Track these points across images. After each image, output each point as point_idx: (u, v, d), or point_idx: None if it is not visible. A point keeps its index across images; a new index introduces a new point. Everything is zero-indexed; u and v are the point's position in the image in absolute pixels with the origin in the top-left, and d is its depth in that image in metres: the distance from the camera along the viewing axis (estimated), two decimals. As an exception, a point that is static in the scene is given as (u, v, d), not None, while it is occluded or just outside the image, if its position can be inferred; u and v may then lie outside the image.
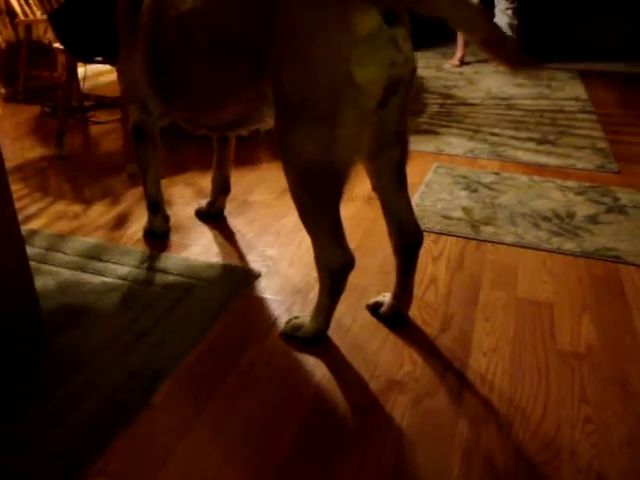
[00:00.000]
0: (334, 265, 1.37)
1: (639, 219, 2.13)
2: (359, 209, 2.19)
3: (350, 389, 1.33)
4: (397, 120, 1.36)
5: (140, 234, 2.00)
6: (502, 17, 4.62)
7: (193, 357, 1.41)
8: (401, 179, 1.44)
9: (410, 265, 1.49)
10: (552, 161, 2.71)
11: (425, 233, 1.98)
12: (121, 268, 1.77)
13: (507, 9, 4.61)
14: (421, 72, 4.56)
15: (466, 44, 4.79)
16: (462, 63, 4.81)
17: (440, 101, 3.74)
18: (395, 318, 1.56)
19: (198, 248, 1.91)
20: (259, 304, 1.63)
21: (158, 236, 1.99)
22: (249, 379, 1.35)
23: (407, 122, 1.40)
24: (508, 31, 4.63)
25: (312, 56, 1.19)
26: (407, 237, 1.47)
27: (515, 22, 4.64)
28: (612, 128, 3.23)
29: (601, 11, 4.94)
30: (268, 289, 1.70)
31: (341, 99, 1.19)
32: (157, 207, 1.98)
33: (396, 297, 1.54)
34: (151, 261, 1.81)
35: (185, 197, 2.31)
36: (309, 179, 1.28)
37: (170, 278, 1.71)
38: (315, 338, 1.47)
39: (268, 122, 1.48)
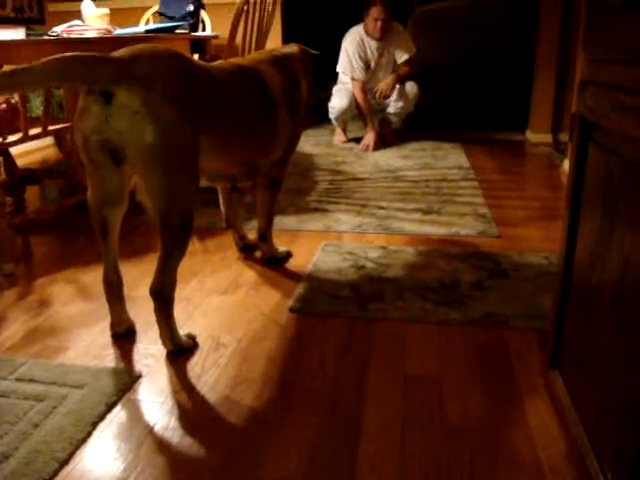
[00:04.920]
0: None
1: (520, 282, 2.20)
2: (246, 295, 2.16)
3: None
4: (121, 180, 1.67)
5: (11, 342, 1.86)
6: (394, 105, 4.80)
7: (61, 479, 1.29)
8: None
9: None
10: (437, 230, 2.79)
11: (311, 317, 1.98)
12: (-14, 382, 1.63)
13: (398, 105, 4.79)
14: (311, 150, 4.67)
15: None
16: (349, 139, 4.95)
17: (329, 178, 3.82)
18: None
19: (75, 351, 1.80)
20: (138, 409, 1.54)
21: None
22: (124, 496, 1.25)
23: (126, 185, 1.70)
24: (393, 118, 4.83)
25: None
26: None
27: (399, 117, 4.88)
28: (492, 193, 3.39)
29: (477, 85, 5.26)
30: (149, 391, 1.61)
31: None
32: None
33: None
34: (21, 371, 1.68)
35: (65, 296, 2.19)
36: None
37: (41, 388, 1.59)
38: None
39: None
